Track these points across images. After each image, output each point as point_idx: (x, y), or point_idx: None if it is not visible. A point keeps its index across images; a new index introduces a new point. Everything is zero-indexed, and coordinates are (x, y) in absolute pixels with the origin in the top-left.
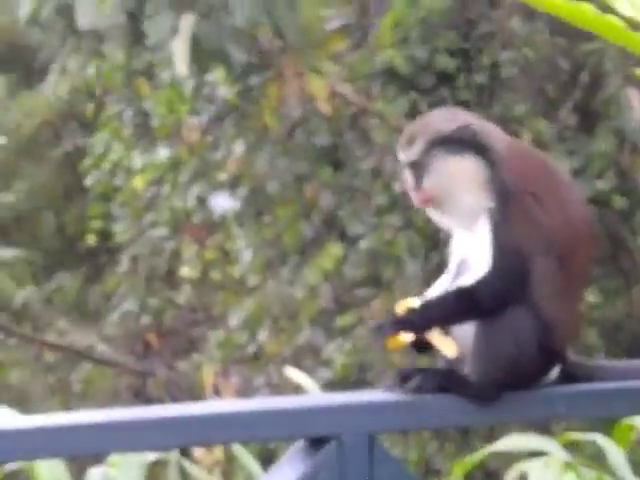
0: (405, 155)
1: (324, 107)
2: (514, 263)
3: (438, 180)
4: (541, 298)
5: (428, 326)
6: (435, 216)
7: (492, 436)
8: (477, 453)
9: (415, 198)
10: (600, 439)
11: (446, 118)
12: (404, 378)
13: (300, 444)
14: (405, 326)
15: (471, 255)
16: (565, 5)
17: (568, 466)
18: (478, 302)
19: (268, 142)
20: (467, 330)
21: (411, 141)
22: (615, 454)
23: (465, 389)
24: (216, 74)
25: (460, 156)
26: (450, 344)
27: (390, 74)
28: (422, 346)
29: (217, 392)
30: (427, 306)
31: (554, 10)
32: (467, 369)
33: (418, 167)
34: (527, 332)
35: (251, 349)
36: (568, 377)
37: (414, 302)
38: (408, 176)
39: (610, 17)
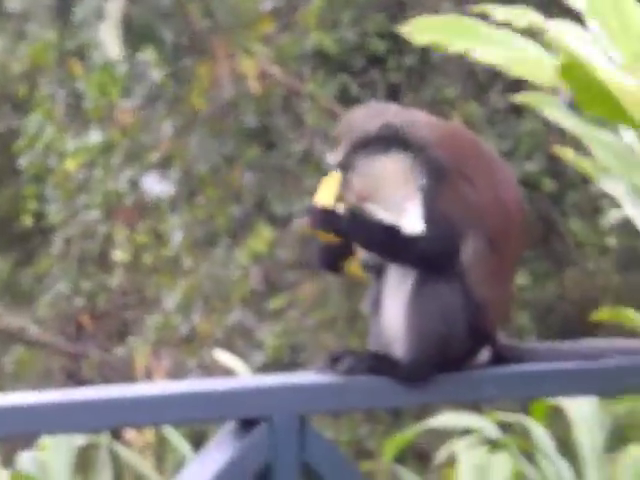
0: (332, 157)
1: (254, 86)
2: (444, 234)
3: (366, 180)
4: (473, 279)
5: (352, 235)
6: (372, 209)
7: (424, 418)
8: (409, 430)
9: (348, 197)
10: (526, 419)
11: (369, 116)
12: (335, 360)
13: (231, 426)
14: (332, 224)
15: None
16: None
17: (497, 445)
18: (405, 247)
19: (198, 124)
20: (397, 311)
21: (337, 143)
22: (541, 434)
23: (395, 370)
24: (148, 56)
25: (384, 156)
26: (358, 270)
27: (320, 56)
28: (342, 253)
29: (149, 374)
30: (360, 219)
31: None
32: (398, 351)
33: (346, 168)
34: (458, 312)
35: (184, 330)
36: (498, 359)
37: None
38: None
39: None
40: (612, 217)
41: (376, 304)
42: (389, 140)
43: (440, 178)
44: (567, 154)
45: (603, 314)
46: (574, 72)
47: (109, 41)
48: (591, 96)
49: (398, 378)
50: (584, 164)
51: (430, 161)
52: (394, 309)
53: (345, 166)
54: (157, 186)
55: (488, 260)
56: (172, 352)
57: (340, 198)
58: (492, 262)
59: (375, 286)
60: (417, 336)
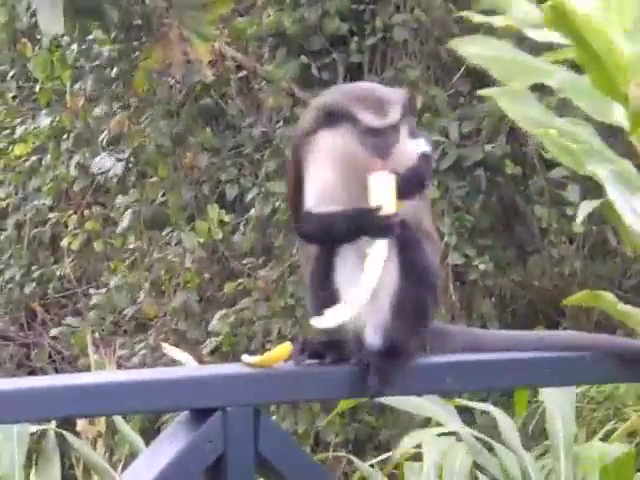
0: (386, 119)
1: (208, 73)
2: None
3: (403, 151)
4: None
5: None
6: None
7: (382, 410)
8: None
9: (375, 166)
10: (491, 408)
11: (387, 89)
12: (302, 350)
13: (184, 416)
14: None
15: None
16: None
17: (459, 438)
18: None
19: (150, 104)
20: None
21: (387, 105)
22: (506, 423)
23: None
24: (96, 36)
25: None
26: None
27: (279, 37)
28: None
29: (100, 361)
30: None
31: None
32: (371, 334)
33: (391, 134)
34: (433, 289)
35: (131, 313)
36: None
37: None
38: (370, 142)
39: None
40: (584, 206)
41: (327, 280)
42: (412, 114)
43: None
44: (548, 136)
45: (578, 298)
46: (563, 18)
47: (45, 15)
48: (577, 46)
49: (375, 369)
50: (563, 145)
51: None
52: (364, 296)
53: (394, 130)
54: (106, 164)
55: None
56: (123, 337)
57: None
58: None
59: (322, 259)
60: (400, 319)
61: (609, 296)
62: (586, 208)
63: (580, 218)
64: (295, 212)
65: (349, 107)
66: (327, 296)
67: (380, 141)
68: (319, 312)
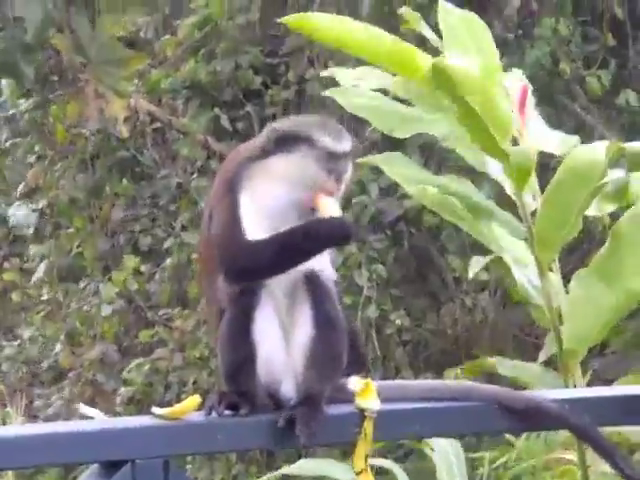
0: (344, 145)
1: (123, 130)
2: None
3: (348, 175)
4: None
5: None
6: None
7: (299, 458)
8: (271, 476)
9: (333, 190)
10: (388, 463)
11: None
12: (220, 401)
13: (95, 469)
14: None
15: None
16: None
17: None
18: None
19: (64, 156)
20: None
21: (344, 132)
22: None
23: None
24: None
25: None
26: None
27: (193, 89)
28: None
29: (8, 412)
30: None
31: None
32: (291, 386)
33: (346, 160)
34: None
35: (46, 365)
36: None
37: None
38: (328, 166)
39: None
40: (475, 262)
41: (247, 336)
42: None
43: None
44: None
45: (469, 368)
46: (443, 73)
47: None
48: (457, 105)
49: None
50: (449, 204)
51: None
52: (296, 338)
53: (349, 155)
54: (21, 214)
55: None
56: (34, 388)
57: None
58: None
59: (239, 316)
60: (314, 368)
61: (491, 361)
62: (477, 264)
63: (471, 274)
64: (228, 249)
65: (309, 132)
66: (244, 350)
67: (337, 166)
68: (233, 366)
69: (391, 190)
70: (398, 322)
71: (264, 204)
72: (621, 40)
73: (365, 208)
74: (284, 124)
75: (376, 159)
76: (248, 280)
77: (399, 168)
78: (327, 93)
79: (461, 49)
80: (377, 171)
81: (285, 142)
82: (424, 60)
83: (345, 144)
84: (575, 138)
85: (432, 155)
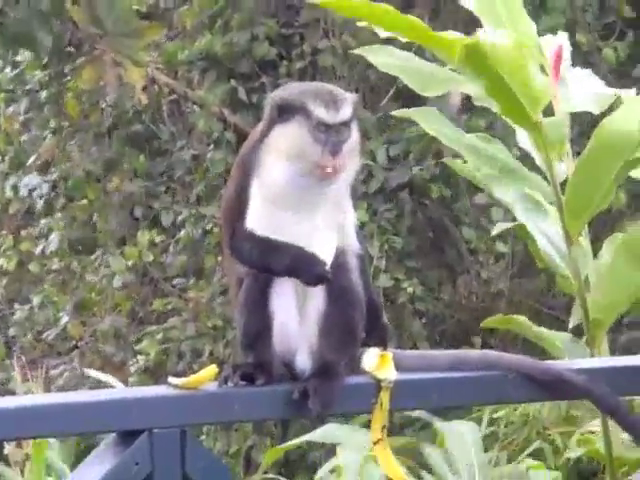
0: (340, 114)
1: (141, 98)
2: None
3: (352, 146)
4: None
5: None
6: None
7: (314, 428)
8: (289, 443)
9: (328, 164)
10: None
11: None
12: (234, 372)
13: (112, 438)
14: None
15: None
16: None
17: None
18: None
19: (81, 128)
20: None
21: (340, 102)
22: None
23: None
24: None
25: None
26: None
27: (209, 61)
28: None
29: (27, 383)
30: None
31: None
32: (306, 358)
33: (343, 131)
34: (356, 320)
35: (54, 334)
36: None
37: None
38: (323, 138)
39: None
40: (498, 226)
41: (263, 307)
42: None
43: None
44: (455, 164)
45: (494, 321)
46: (477, 54)
47: None
48: (490, 81)
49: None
50: (472, 173)
51: None
52: (312, 312)
53: (346, 126)
54: (33, 184)
55: None
56: (51, 359)
57: None
58: None
59: (256, 285)
60: (329, 340)
61: (522, 319)
62: (499, 228)
63: (494, 232)
64: (227, 228)
65: (303, 101)
66: (260, 319)
67: (332, 137)
68: (249, 335)
69: (401, 159)
70: (410, 290)
71: (270, 183)
72: (639, 11)
73: (373, 176)
74: (283, 93)
75: (410, 112)
76: (236, 259)
77: (433, 123)
78: (358, 51)
79: (495, 21)
80: (389, 140)
81: (282, 114)
82: (457, 40)
83: (342, 113)
84: (611, 93)
85: None
